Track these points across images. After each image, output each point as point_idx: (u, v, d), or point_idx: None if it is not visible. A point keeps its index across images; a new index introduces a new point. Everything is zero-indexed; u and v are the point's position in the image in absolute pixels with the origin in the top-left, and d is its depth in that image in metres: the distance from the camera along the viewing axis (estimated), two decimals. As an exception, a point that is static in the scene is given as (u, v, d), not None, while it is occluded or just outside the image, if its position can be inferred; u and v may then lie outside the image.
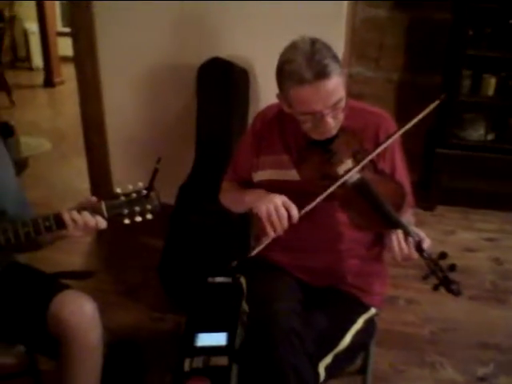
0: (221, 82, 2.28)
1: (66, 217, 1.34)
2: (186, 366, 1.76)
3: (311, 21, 2.22)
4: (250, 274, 1.61)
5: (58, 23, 6.45)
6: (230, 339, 1.82)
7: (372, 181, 1.41)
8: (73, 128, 3.77)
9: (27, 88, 6.05)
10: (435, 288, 1.28)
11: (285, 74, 1.37)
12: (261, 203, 1.41)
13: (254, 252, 1.41)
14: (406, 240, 1.31)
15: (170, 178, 2.47)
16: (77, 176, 3.37)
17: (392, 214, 1.35)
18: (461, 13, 2.83)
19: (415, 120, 1.40)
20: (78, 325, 1.44)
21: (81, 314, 1.45)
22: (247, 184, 1.62)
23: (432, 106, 1.40)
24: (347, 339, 1.44)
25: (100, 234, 2.79)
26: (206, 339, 1.87)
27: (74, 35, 2.68)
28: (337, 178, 1.42)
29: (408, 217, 1.52)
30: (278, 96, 1.46)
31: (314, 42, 1.36)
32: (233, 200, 1.66)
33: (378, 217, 1.36)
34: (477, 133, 3.11)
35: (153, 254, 2.49)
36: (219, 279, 2.11)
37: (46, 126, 4.80)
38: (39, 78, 6.21)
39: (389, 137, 1.44)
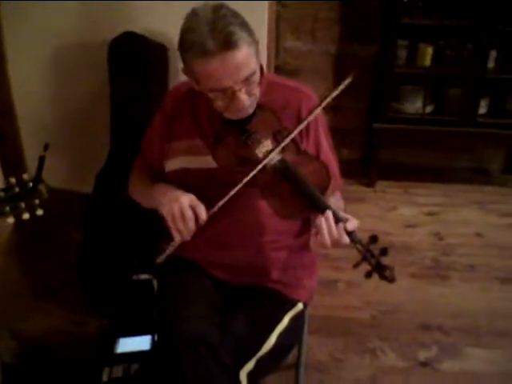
0: (135, 59, 2.07)
1: None
2: (105, 375, 1.61)
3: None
4: (162, 275, 1.44)
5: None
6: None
7: (294, 162, 1.27)
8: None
9: None
10: (368, 275, 1.17)
11: (186, 45, 1.20)
12: (165, 203, 1.26)
13: (161, 259, 1.27)
14: (335, 223, 1.18)
15: (87, 165, 2.29)
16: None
17: (318, 197, 1.21)
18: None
19: (329, 98, 1.28)
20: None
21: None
22: (158, 176, 1.45)
23: (346, 83, 1.28)
24: (272, 341, 1.30)
25: (14, 227, 2.56)
26: (128, 344, 1.71)
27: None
28: (256, 161, 1.27)
29: (337, 201, 1.39)
30: (184, 71, 1.28)
31: (217, 7, 1.19)
32: (140, 194, 1.48)
33: (302, 201, 1.22)
34: (415, 105, 3.00)
35: (76, 250, 2.29)
36: (144, 276, 1.95)
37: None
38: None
39: (309, 113, 1.30)
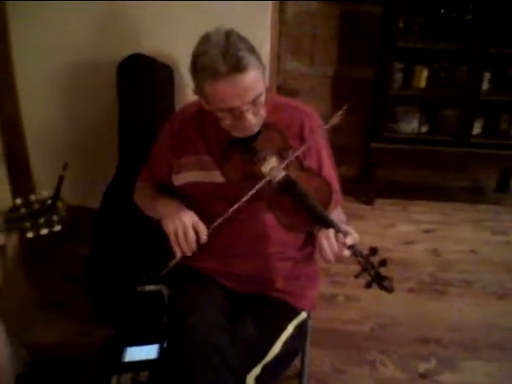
0: (143, 79, 2.16)
1: None
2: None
3: (237, 14, 2.14)
4: (172, 283, 1.51)
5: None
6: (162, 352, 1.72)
7: (298, 178, 1.35)
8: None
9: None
10: (368, 285, 1.23)
11: (198, 67, 1.28)
12: (169, 221, 1.34)
13: (163, 273, 1.33)
14: (336, 238, 1.24)
15: (95, 182, 2.35)
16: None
17: (320, 211, 1.29)
18: (392, 2, 2.79)
19: (330, 123, 1.38)
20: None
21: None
22: (163, 188, 1.53)
23: (344, 109, 1.37)
24: (277, 348, 1.36)
25: (22, 241, 2.61)
26: (135, 353, 1.76)
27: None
28: (261, 177, 1.35)
29: (338, 215, 1.46)
30: (195, 92, 1.36)
31: (228, 33, 1.27)
32: (145, 204, 1.57)
33: (305, 215, 1.29)
34: (410, 125, 3.09)
35: (82, 263, 2.34)
36: (149, 287, 2.00)
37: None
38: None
39: (311, 132, 1.38)
